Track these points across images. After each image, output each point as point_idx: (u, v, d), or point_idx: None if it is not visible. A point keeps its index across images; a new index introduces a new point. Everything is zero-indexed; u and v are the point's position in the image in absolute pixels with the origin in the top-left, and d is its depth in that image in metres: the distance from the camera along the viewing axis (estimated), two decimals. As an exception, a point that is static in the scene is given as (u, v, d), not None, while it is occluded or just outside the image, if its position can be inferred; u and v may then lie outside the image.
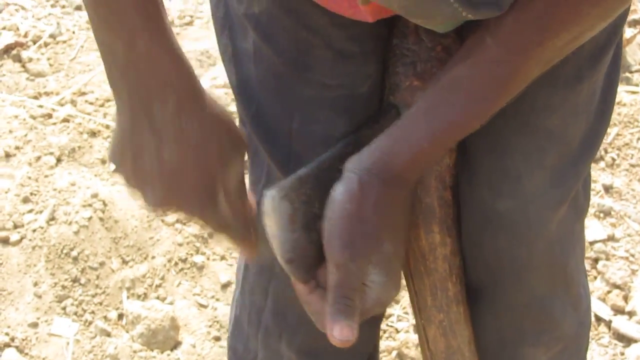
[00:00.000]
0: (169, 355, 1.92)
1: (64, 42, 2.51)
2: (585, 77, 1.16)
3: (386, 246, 1.06)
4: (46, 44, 2.50)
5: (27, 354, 1.92)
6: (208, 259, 2.06)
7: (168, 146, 0.98)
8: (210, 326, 2.01)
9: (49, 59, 2.46)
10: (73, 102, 2.32)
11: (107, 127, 2.33)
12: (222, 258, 2.07)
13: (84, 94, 2.36)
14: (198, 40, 2.69)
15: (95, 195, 2.09)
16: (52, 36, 2.50)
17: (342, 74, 1.14)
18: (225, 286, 2.03)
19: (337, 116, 1.16)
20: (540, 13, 0.97)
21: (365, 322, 1.09)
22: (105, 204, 2.09)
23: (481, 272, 1.24)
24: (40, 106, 2.28)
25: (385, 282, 1.06)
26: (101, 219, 2.07)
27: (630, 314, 2.04)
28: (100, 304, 1.98)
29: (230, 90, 1.25)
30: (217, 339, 2.00)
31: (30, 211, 2.07)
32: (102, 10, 0.93)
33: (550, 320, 1.30)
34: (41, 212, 2.07)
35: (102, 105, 2.34)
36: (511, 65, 1.01)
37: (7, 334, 1.91)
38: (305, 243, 1.08)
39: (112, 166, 1.11)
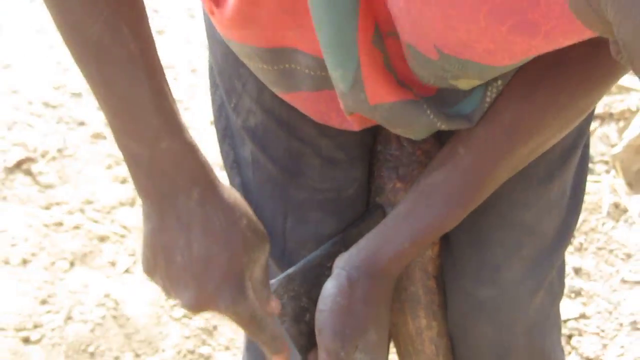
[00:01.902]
0: None
1: (70, 155, 2.53)
2: (556, 176, 1.18)
3: (371, 334, 1.10)
4: (54, 158, 2.51)
5: None
6: (214, 349, 2.07)
7: (196, 237, 0.99)
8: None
9: (57, 171, 2.48)
10: (82, 211, 2.34)
11: (115, 233, 2.34)
12: (227, 348, 2.09)
13: (91, 202, 2.39)
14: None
15: (107, 295, 2.13)
16: (59, 151, 2.52)
17: (331, 178, 1.18)
18: None
19: (326, 216, 1.19)
20: (508, 125, 1.03)
21: None
22: (117, 303, 2.12)
23: (466, 353, 1.25)
24: (52, 216, 2.31)
25: None
26: (114, 317, 2.09)
27: (604, 384, 2.04)
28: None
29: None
30: None
31: (48, 312, 2.07)
32: (123, 118, 0.97)
33: None
34: (58, 312, 2.08)
35: (108, 213, 2.37)
36: (482, 172, 1.05)
37: None
38: (294, 333, 1.12)
39: (146, 276, 1.09)
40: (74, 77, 2.83)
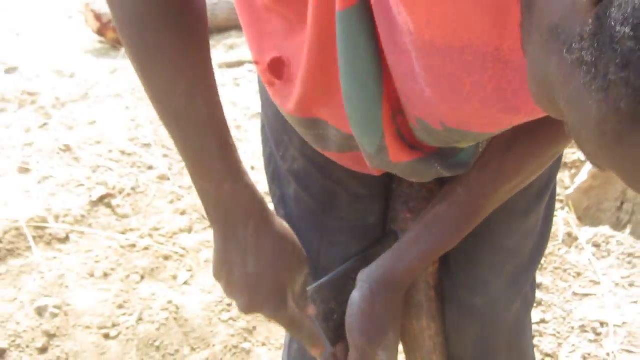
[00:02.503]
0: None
1: (142, 192, 2.54)
2: (532, 210, 1.18)
3: (390, 335, 1.10)
4: (129, 194, 2.53)
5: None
6: (253, 345, 2.07)
7: (250, 259, 0.99)
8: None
9: (131, 205, 2.49)
10: (150, 236, 2.36)
11: (176, 253, 2.34)
12: (263, 344, 2.07)
13: (157, 229, 2.40)
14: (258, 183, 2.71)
15: (170, 302, 2.13)
16: (132, 189, 2.54)
17: (356, 210, 1.17)
18: None
19: (351, 240, 1.18)
20: (494, 170, 1.03)
21: None
22: (177, 308, 2.13)
23: (460, 348, 1.23)
24: (127, 239, 2.33)
25: (389, 359, 1.10)
26: (175, 319, 2.10)
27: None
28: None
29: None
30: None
31: (124, 314, 2.10)
32: (196, 164, 0.95)
33: None
34: (132, 315, 2.10)
35: (171, 237, 2.38)
36: (475, 205, 1.05)
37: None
38: (325, 329, 1.11)
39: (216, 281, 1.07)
40: (145, 132, 2.86)
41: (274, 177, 1.21)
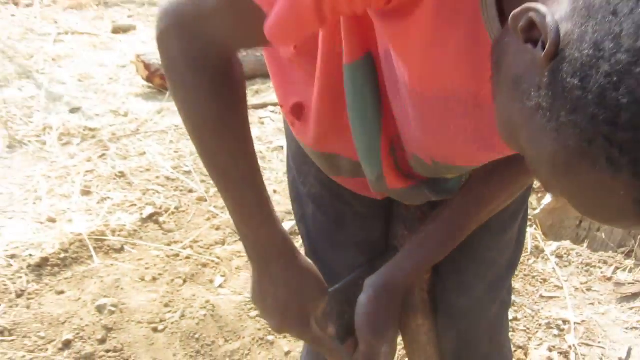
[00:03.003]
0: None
1: (184, 211, 2.55)
2: (507, 228, 1.15)
3: (392, 331, 1.07)
4: (173, 213, 2.52)
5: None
6: (276, 338, 2.06)
7: (280, 290, 0.97)
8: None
9: (175, 222, 2.50)
10: (191, 247, 2.37)
11: (212, 261, 2.32)
12: (285, 337, 2.05)
13: (197, 242, 2.40)
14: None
15: (207, 302, 2.13)
16: (176, 208, 2.55)
17: (362, 228, 1.15)
18: (287, 354, 2.03)
19: (358, 252, 1.16)
20: (476, 196, 1.02)
21: None
22: (213, 307, 2.12)
23: (449, 341, 1.20)
24: (171, 250, 2.35)
25: (390, 352, 1.08)
26: (212, 316, 2.10)
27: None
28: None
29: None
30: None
31: (169, 311, 2.10)
32: (236, 211, 0.93)
33: None
34: (176, 312, 2.10)
35: (208, 249, 2.38)
36: (460, 225, 1.03)
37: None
38: (337, 327, 1.09)
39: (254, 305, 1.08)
40: (186, 162, 2.86)
41: (295, 199, 1.19)
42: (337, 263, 1.15)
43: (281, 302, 0.98)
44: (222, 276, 2.28)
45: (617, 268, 2.35)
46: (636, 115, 0.47)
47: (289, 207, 1.23)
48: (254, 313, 2.12)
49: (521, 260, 2.36)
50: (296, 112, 0.99)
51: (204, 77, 0.81)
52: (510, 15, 0.56)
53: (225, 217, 2.53)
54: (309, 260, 1.02)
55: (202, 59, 0.80)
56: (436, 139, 0.84)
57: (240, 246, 2.35)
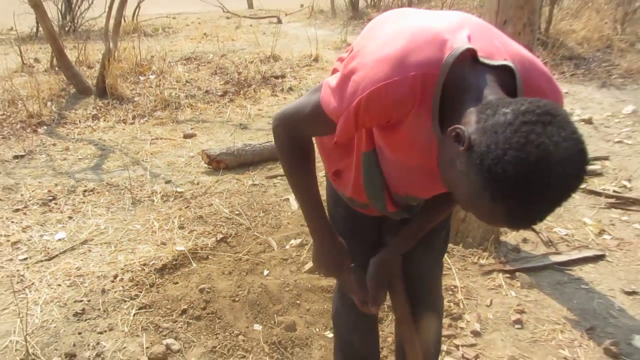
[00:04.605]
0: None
1: (239, 236, 2.37)
2: (442, 229, 1.10)
3: (385, 286, 1.02)
4: (233, 237, 2.36)
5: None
6: (302, 301, 1.93)
7: (327, 254, 0.96)
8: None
9: (236, 241, 2.33)
10: (247, 254, 2.18)
11: (261, 261, 2.15)
12: (308, 299, 1.93)
13: (250, 252, 2.22)
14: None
15: (261, 284, 1.97)
16: (235, 234, 2.36)
17: (365, 233, 1.08)
18: (308, 310, 1.90)
19: (365, 247, 1.08)
20: (428, 213, 0.97)
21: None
22: (265, 286, 1.96)
23: (414, 290, 1.11)
24: (237, 256, 2.15)
25: (383, 296, 1.03)
26: (265, 292, 1.96)
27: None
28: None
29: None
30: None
31: (240, 290, 1.96)
32: (311, 227, 0.91)
33: (438, 303, 1.22)
34: (244, 290, 1.98)
35: (256, 255, 2.19)
36: (421, 229, 0.99)
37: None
38: (360, 285, 1.02)
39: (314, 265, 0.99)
40: (237, 209, 2.67)
41: (331, 218, 1.10)
42: (354, 252, 1.06)
43: (327, 259, 0.96)
44: (267, 270, 2.19)
45: (479, 257, 2.21)
46: (506, 179, 0.53)
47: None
48: (287, 289, 2.02)
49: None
50: (336, 175, 0.98)
51: (295, 150, 0.85)
52: (447, 130, 0.62)
53: (263, 238, 2.38)
54: (342, 239, 0.99)
55: (295, 141, 0.84)
56: (408, 186, 0.86)
57: (275, 253, 2.29)
